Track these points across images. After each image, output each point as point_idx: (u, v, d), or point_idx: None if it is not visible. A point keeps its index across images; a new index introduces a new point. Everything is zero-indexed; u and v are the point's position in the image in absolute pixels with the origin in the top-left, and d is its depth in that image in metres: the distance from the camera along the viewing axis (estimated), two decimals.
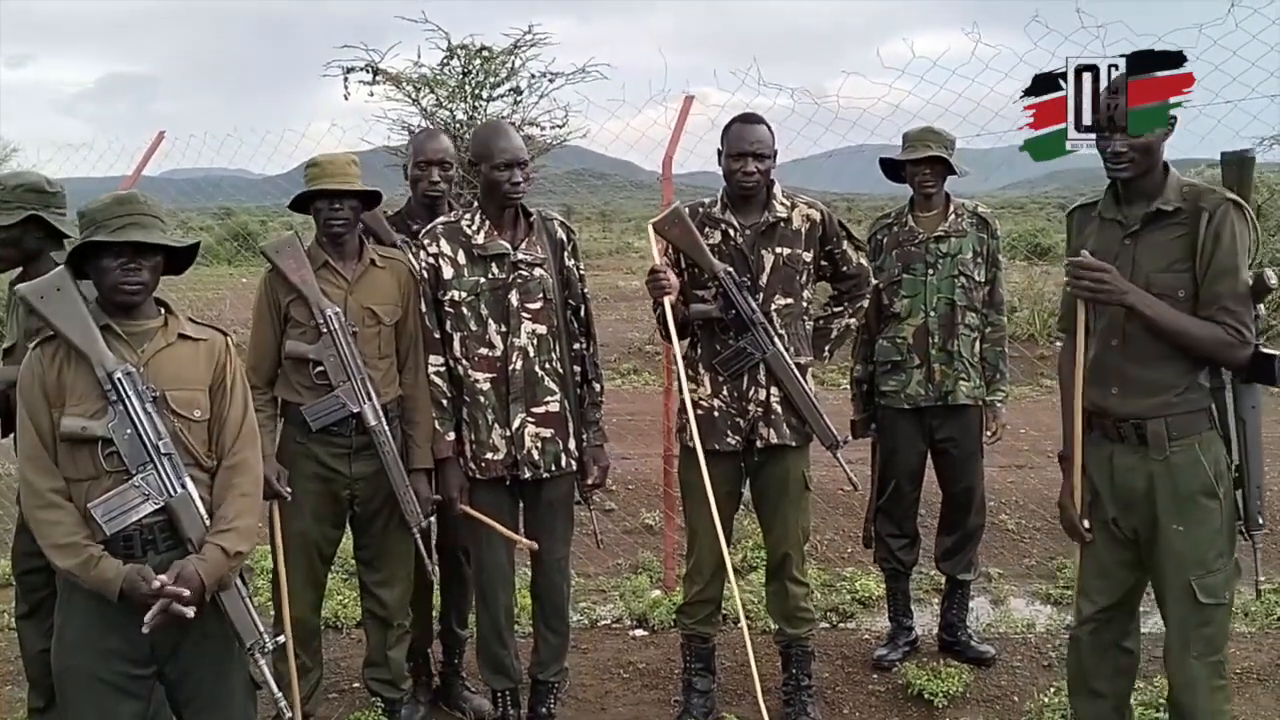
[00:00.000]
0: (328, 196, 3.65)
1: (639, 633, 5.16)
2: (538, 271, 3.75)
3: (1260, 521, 3.10)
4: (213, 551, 2.70)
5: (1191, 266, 2.97)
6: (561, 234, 3.87)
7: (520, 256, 3.72)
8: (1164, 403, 3.02)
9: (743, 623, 3.91)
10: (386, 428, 3.69)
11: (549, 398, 3.77)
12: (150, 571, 2.62)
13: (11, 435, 3.50)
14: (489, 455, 3.76)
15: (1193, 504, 3.03)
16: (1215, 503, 3.04)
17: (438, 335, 3.77)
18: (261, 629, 2.75)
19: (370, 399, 3.65)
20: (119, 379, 2.64)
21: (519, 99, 12.79)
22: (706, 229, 3.89)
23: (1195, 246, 2.96)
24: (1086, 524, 3.25)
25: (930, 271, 4.42)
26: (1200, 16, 4.52)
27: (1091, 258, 3.00)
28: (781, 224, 3.87)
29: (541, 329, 3.74)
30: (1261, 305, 3.07)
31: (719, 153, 3.91)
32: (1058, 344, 3.55)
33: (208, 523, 2.71)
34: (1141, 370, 3.05)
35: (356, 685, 4.53)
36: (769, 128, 3.88)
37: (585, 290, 3.94)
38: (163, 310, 2.84)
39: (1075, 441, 3.22)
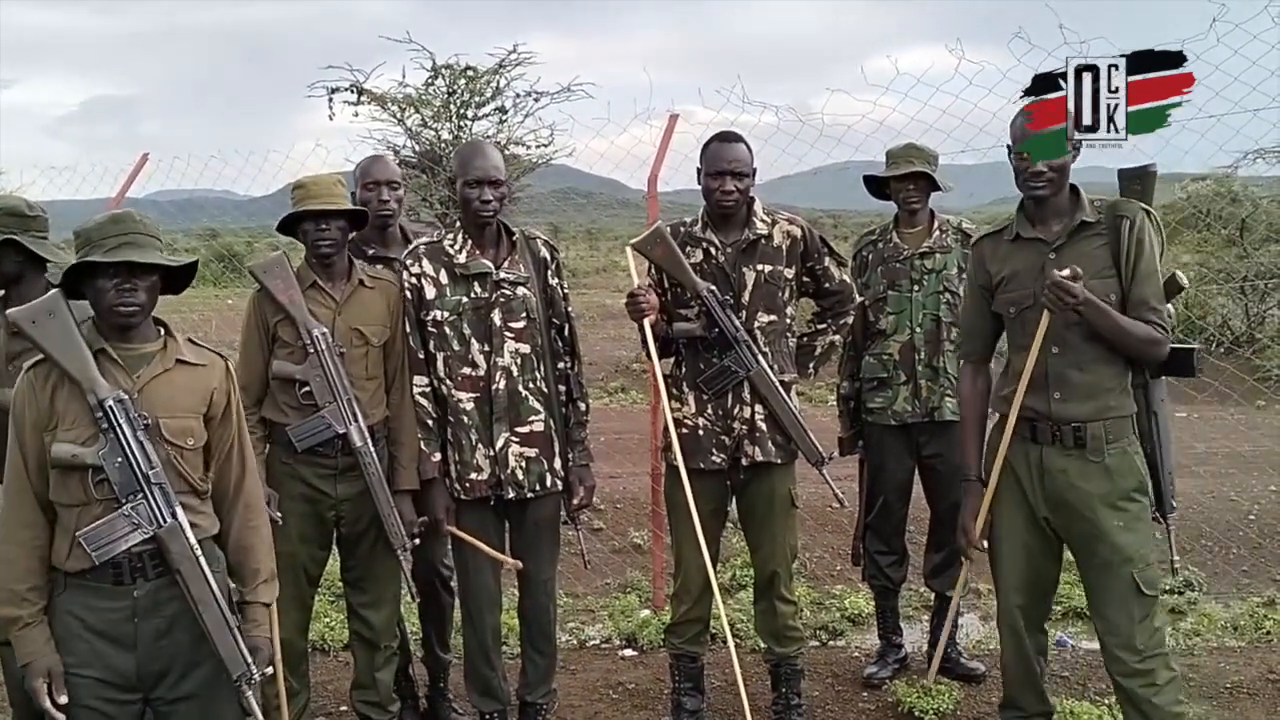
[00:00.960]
0: (314, 217, 3.64)
1: (628, 653, 5.15)
2: (520, 290, 3.75)
3: (1173, 505, 3.46)
4: (259, 612, 2.87)
5: (1117, 273, 3.22)
6: (545, 253, 3.87)
7: (503, 275, 3.72)
8: (1103, 406, 3.25)
9: (730, 642, 3.90)
10: (372, 449, 3.67)
11: (533, 417, 3.76)
12: (62, 684, 2.60)
13: None
14: (473, 475, 3.75)
15: (1130, 501, 3.28)
16: (1145, 499, 3.32)
17: (421, 355, 3.77)
18: (249, 659, 2.73)
19: (356, 420, 3.63)
20: (111, 407, 2.61)
21: (504, 118, 12.81)
22: (688, 248, 3.89)
23: (1119, 254, 3.21)
24: (985, 543, 3.55)
25: (915, 288, 4.43)
26: (1183, 31, 4.56)
27: (1064, 275, 3.12)
28: (762, 241, 3.87)
29: (525, 348, 3.74)
30: (1170, 305, 3.36)
31: (698, 171, 3.91)
32: None
33: (198, 552, 2.68)
34: (1082, 375, 3.26)
35: (344, 709, 4.50)
36: (747, 146, 3.88)
37: (570, 309, 3.94)
38: (162, 331, 2.81)
39: (996, 463, 3.42)
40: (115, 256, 2.61)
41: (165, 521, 2.65)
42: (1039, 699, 3.55)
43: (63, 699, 2.60)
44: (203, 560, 2.68)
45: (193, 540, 2.68)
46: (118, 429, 2.61)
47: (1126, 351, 3.24)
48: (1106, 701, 4.19)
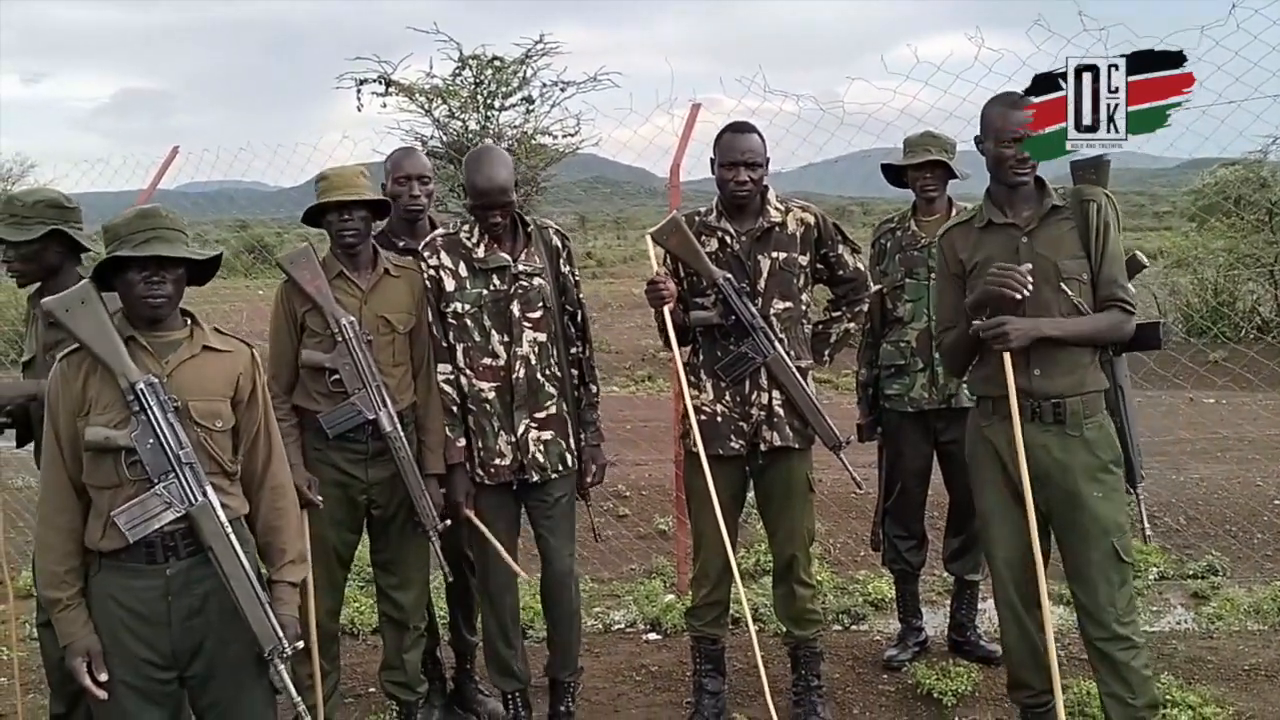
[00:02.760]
0: (337, 208, 3.71)
1: (652, 636, 5.22)
2: (537, 281, 3.83)
3: (1141, 475, 3.62)
4: (286, 591, 2.93)
5: (1086, 253, 3.37)
6: (557, 241, 3.96)
7: (520, 268, 3.81)
8: (1080, 381, 3.39)
9: (750, 625, 3.96)
10: (402, 434, 3.74)
11: (549, 402, 3.86)
12: (102, 662, 2.71)
13: (28, 447, 3.59)
14: (497, 461, 3.84)
15: (1107, 473, 3.41)
16: (1120, 471, 3.46)
17: (445, 345, 3.85)
18: (281, 635, 2.81)
19: (385, 405, 3.71)
20: (142, 390, 2.69)
21: (531, 108, 12.87)
22: (703, 237, 3.94)
23: (1087, 235, 3.36)
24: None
25: (933, 275, 4.45)
26: (1202, 18, 4.56)
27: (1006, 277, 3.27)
28: (776, 229, 3.92)
29: (542, 336, 3.83)
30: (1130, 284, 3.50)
31: (712, 161, 3.96)
32: None
33: (229, 529, 2.76)
34: (1059, 351, 3.37)
35: (372, 690, 4.60)
36: (760, 135, 3.92)
37: (580, 295, 4.02)
38: (188, 321, 2.89)
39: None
40: (144, 251, 2.69)
41: (197, 500, 2.73)
42: (1047, 677, 3.59)
43: (103, 676, 2.70)
44: (233, 538, 2.76)
45: (224, 518, 2.76)
46: (149, 411, 2.69)
47: (1097, 345, 3.41)
48: None
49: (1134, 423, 3.60)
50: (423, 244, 3.91)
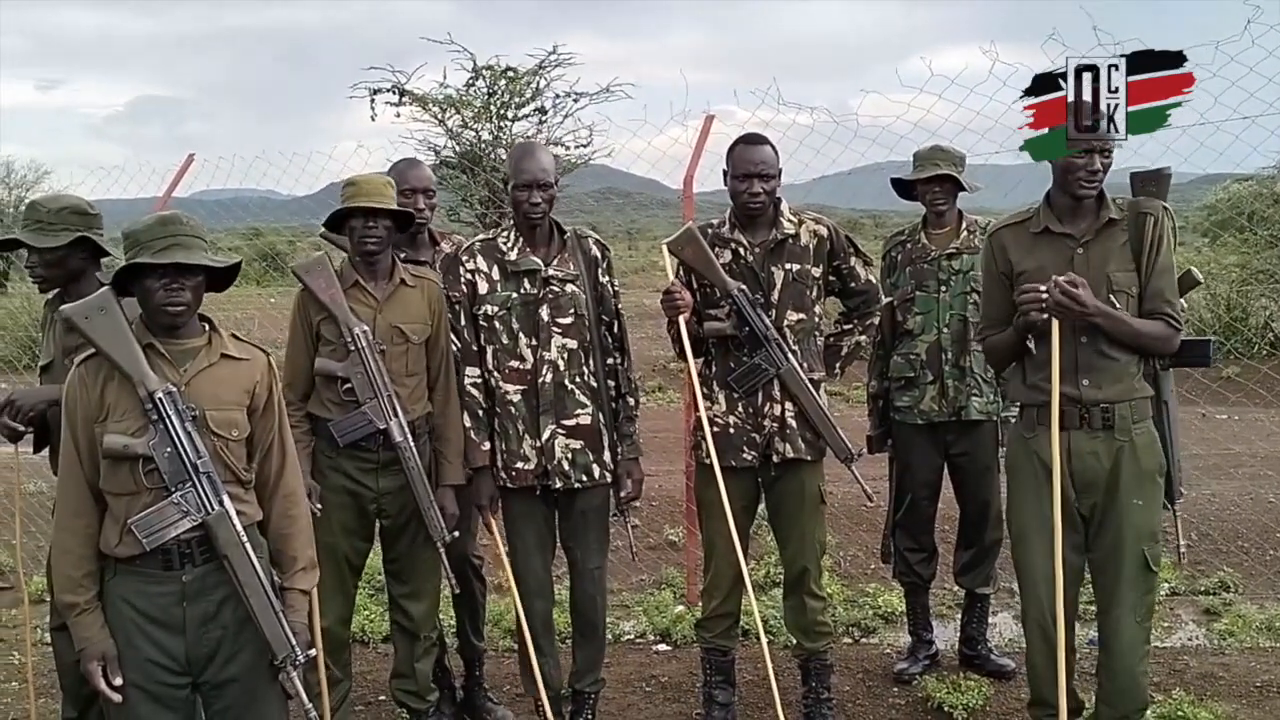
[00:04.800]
0: (362, 215, 3.72)
1: (662, 647, 5.22)
2: (569, 288, 3.85)
3: (1181, 493, 3.60)
4: (298, 598, 2.95)
5: (1137, 266, 3.36)
6: (596, 251, 3.98)
7: (552, 273, 3.83)
8: (1128, 388, 3.38)
9: (761, 636, 3.96)
10: (412, 444, 3.75)
11: (580, 411, 3.86)
12: (117, 667, 2.72)
13: (43, 452, 3.61)
14: (520, 465, 3.86)
15: (1150, 480, 3.42)
16: (1162, 480, 3.46)
17: (476, 348, 3.87)
18: (294, 642, 2.82)
19: (396, 415, 3.72)
20: (160, 399, 2.70)
21: (544, 119, 12.90)
22: (717, 248, 3.95)
23: (1140, 249, 3.35)
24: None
25: (943, 288, 4.47)
26: (1217, 32, 4.55)
27: (1064, 283, 3.23)
28: (790, 240, 3.93)
29: (572, 344, 3.84)
30: (1183, 300, 3.51)
31: (724, 173, 3.97)
32: None
33: (244, 538, 2.77)
34: (1107, 361, 3.37)
35: (383, 698, 4.61)
36: (773, 147, 3.94)
37: (619, 306, 4.03)
38: (206, 327, 2.90)
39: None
40: (163, 258, 2.69)
41: (213, 509, 2.74)
42: (1071, 695, 3.58)
43: (118, 680, 2.71)
44: (249, 546, 2.77)
45: (239, 527, 2.77)
46: (167, 420, 2.70)
47: (1140, 349, 3.38)
48: None
49: (1177, 439, 3.56)
50: (462, 248, 3.96)
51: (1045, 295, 3.23)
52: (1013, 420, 4.53)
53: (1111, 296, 3.34)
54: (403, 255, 4.14)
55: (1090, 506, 3.45)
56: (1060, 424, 3.37)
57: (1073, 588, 3.52)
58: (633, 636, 5.38)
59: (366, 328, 3.72)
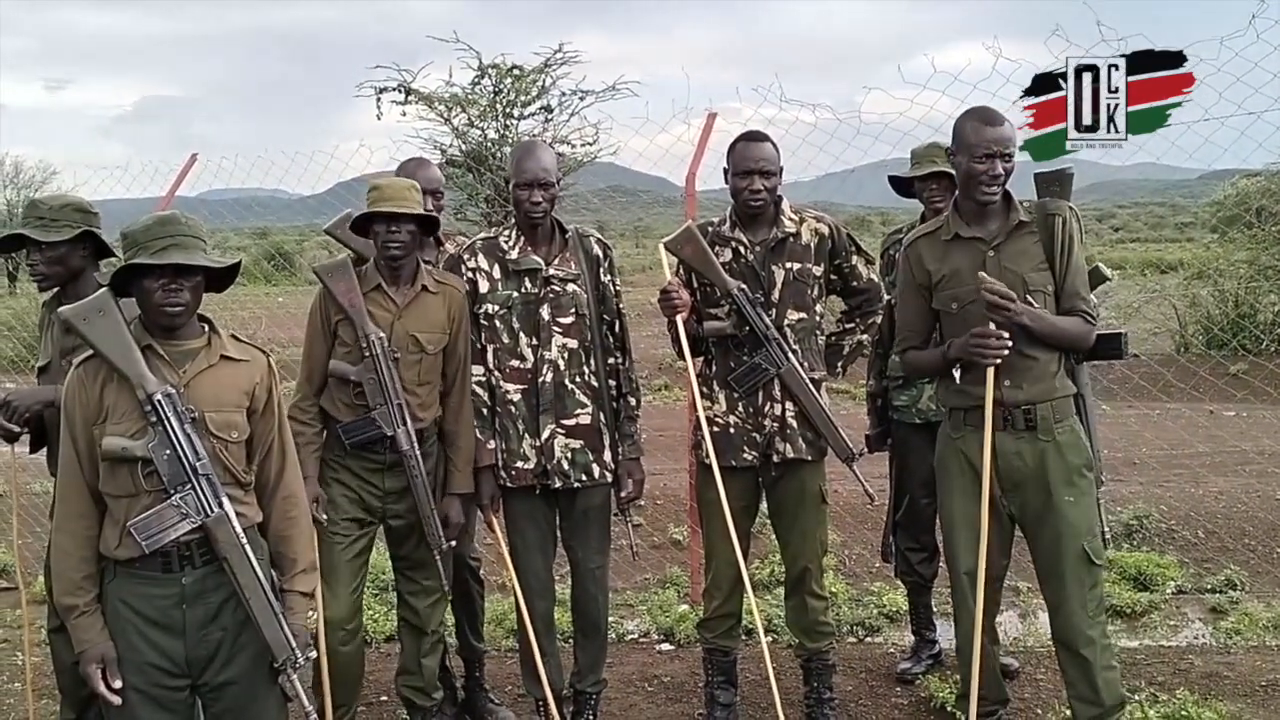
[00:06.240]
0: (386, 219, 3.67)
1: (665, 647, 5.22)
2: (570, 287, 3.85)
3: (1103, 480, 3.74)
4: (298, 600, 2.95)
5: (1050, 266, 3.46)
6: (598, 250, 3.97)
7: (552, 272, 3.83)
8: (1049, 388, 3.48)
9: (762, 637, 3.95)
10: (418, 452, 3.74)
11: (580, 410, 3.86)
12: (116, 669, 2.72)
13: (42, 451, 3.61)
14: (519, 464, 3.86)
15: (1079, 476, 3.50)
16: (1091, 475, 3.55)
17: (478, 346, 3.87)
18: (293, 644, 2.82)
19: (405, 423, 3.70)
20: (159, 401, 2.69)
21: (549, 117, 12.88)
22: (717, 247, 3.94)
23: (1052, 249, 3.45)
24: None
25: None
26: (1222, 28, 4.53)
27: (993, 290, 3.35)
28: (791, 239, 3.91)
29: (572, 343, 3.84)
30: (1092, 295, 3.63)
31: (725, 171, 3.96)
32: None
33: (244, 540, 2.77)
34: (1028, 361, 3.45)
35: (384, 698, 4.61)
36: (774, 144, 3.92)
37: (621, 306, 4.02)
38: (206, 328, 2.89)
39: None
40: (162, 259, 2.69)
41: (213, 511, 2.74)
42: (999, 689, 3.76)
43: (117, 683, 2.71)
44: (248, 548, 2.77)
45: (239, 529, 2.77)
46: (166, 422, 2.70)
47: (1061, 346, 3.50)
48: (1137, 698, 4.21)
49: (1095, 430, 3.70)
50: (464, 247, 3.97)
51: (1005, 349, 3.35)
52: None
53: (1029, 296, 3.43)
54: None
55: (1019, 505, 3.55)
56: (980, 425, 3.47)
57: (997, 582, 3.67)
58: (636, 636, 5.37)
59: (382, 334, 3.69)
